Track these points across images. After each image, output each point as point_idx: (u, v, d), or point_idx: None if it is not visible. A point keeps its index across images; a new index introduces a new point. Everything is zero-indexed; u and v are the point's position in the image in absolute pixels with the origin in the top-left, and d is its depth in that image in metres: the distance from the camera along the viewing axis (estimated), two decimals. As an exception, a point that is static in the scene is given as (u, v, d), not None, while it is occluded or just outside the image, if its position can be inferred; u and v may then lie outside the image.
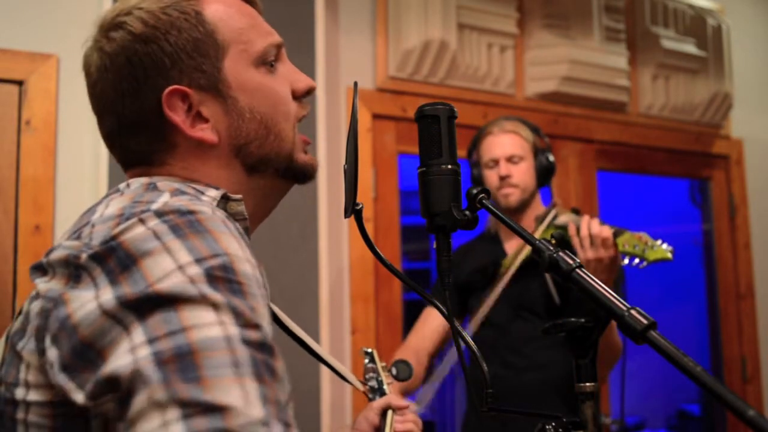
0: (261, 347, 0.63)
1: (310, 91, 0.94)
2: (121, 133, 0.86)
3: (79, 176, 2.13)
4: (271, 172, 0.90)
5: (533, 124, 2.20)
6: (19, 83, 2.09)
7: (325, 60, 2.49)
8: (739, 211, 3.64)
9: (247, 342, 0.62)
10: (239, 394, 0.58)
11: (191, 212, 0.70)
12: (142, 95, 0.83)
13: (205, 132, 0.85)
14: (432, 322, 2.13)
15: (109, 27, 0.84)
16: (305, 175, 0.93)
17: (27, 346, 0.71)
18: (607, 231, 1.84)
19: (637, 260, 1.84)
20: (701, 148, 3.54)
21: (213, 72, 0.85)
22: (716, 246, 3.60)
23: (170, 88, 0.82)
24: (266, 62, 0.89)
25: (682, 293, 4.09)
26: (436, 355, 2.20)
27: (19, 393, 0.70)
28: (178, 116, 0.83)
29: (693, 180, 3.70)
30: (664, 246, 1.81)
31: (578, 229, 1.88)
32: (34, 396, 0.69)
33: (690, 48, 3.38)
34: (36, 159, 2.09)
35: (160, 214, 0.69)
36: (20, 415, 0.70)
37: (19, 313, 0.75)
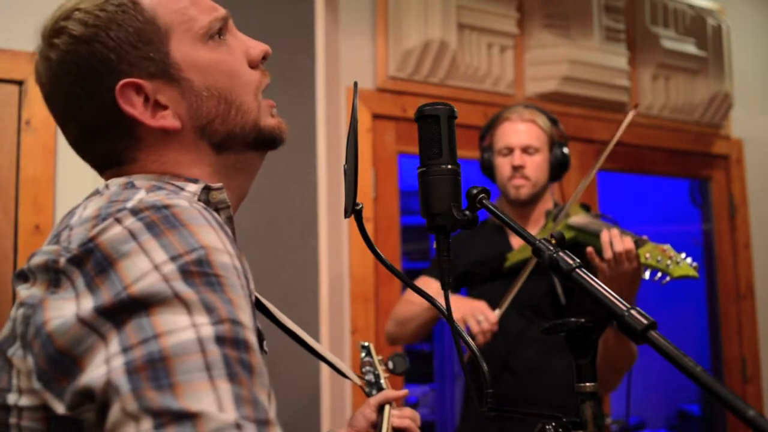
0: (235, 344, 0.63)
1: (265, 57, 0.92)
2: (86, 139, 0.86)
3: (79, 176, 2.12)
4: (239, 147, 0.89)
5: (552, 115, 2.10)
6: (19, 83, 2.09)
7: (325, 60, 2.49)
8: (739, 211, 3.64)
9: (220, 340, 0.62)
10: (212, 398, 0.59)
11: (166, 207, 0.70)
12: (97, 96, 0.82)
13: (166, 119, 0.84)
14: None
15: (51, 34, 0.84)
16: (274, 139, 0.92)
17: (16, 352, 0.71)
18: (629, 243, 1.71)
19: (659, 274, 1.71)
20: (701, 148, 3.54)
21: (161, 58, 0.83)
22: (716, 246, 3.60)
23: (121, 82, 0.82)
24: (213, 36, 0.88)
25: (682, 293, 4.08)
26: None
27: (11, 398, 0.71)
28: (135, 109, 0.83)
29: (693, 180, 3.70)
30: (689, 260, 1.68)
31: (600, 252, 1.74)
32: (25, 401, 0.70)
33: (690, 48, 3.38)
34: (36, 159, 2.09)
35: (135, 211, 0.69)
36: (13, 420, 0.70)
37: (9, 319, 0.76)
